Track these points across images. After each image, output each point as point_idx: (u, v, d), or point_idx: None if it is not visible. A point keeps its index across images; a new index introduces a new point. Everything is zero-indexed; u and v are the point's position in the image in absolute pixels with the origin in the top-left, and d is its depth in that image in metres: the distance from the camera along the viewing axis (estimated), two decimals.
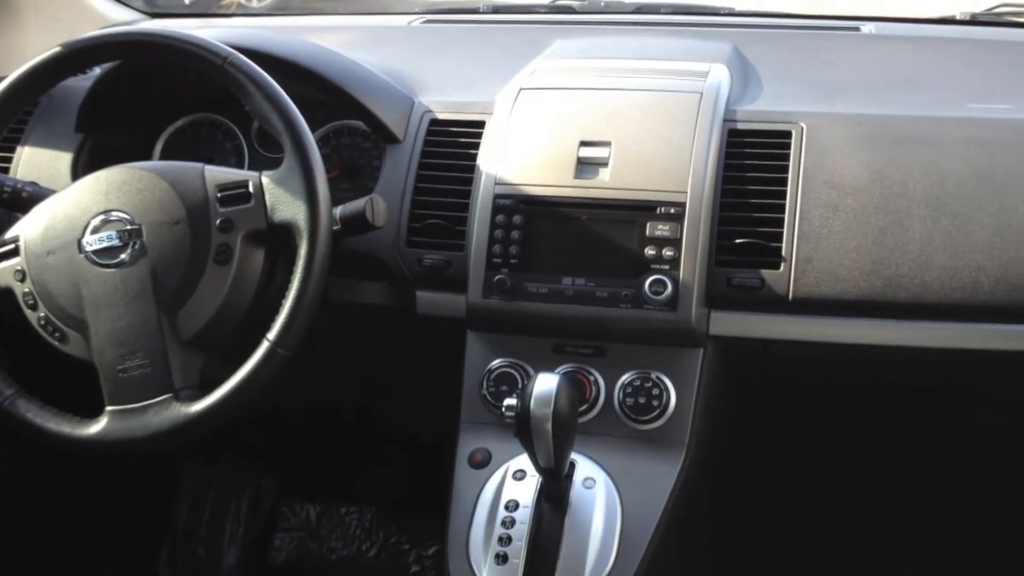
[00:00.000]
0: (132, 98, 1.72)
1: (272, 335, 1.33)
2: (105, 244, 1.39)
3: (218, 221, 1.38)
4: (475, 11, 2.21)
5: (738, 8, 2.11)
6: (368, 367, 1.85)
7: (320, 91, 1.62)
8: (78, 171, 1.67)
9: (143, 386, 1.35)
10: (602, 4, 2.19)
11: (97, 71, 1.69)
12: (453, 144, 1.62)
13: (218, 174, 1.42)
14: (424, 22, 2.11)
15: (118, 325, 1.37)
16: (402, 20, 2.14)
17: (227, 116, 1.78)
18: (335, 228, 1.39)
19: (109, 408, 1.37)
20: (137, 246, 1.38)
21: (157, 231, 1.39)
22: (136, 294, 1.37)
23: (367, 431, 2.21)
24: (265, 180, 1.40)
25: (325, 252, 1.35)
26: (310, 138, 1.39)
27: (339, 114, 1.71)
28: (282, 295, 1.34)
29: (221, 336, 1.40)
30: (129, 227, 1.39)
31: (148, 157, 1.78)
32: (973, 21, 2.00)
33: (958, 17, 2.02)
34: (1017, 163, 1.48)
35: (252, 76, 1.40)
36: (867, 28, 1.94)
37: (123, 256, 1.38)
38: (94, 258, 1.39)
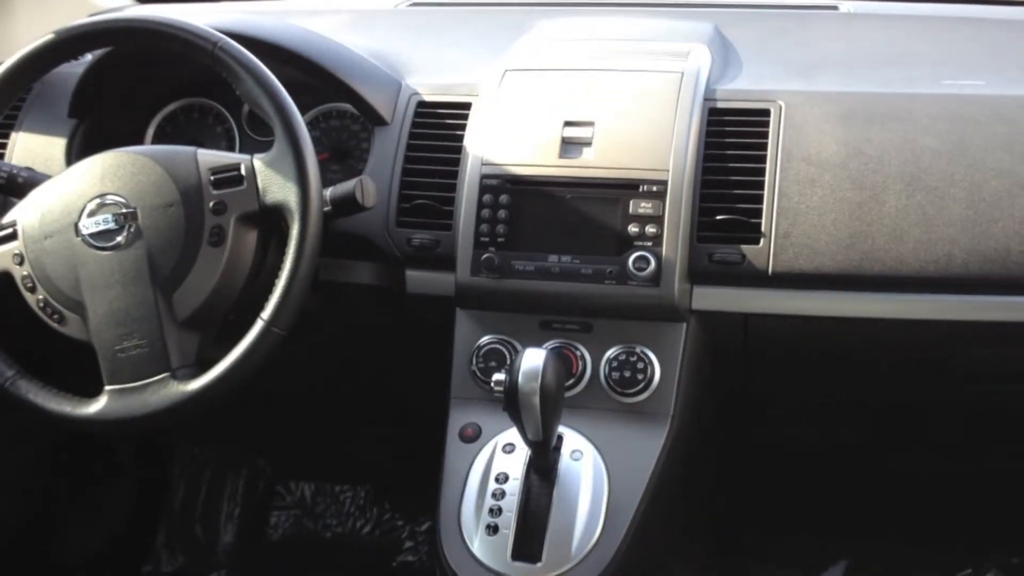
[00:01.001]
0: (124, 83, 1.74)
1: (266, 314, 1.36)
2: (101, 227, 1.41)
3: (211, 203, 1.41)
4: None
5: None
6: (359, 346, 1.87)
7: (309, 75, 1.64)
8: (72, 156, 1.69)
9: (141, 365, 1.38)
10: None
11: (89, 57, 1.70)
12: (440, 125, 1.64)
13: (211, 157, 1.45)
14: (410, 5, 2.12)
15: (115, 306, 1.39)
16: (388, 3, 2.15)
17: (218, 100, 1.79)
18: (326, 209, 1.42)
19: (108, 387, 1.39)
20: (133, 229, 1.41)
21: (152, 214, 1.41)
22: (132, 276, 1.39)
23: (359, 409, 2.24)
24: (257, 163, 1.42)
25: (316, 232, 1.38)
26: (300, 121, 1.41)
27: (328, 97, 1.73)
28: (275, 275, 1.37)
29: (216, 316, 1.42)
30: (124, 210, 1.42)
31: (140, 142, 1.80)
32: None
33: None
34: (990, 138, 1.51)
35: (242, 61, 1.42)
36: (845, 7, 1.95)
37: (119, 239, 1.41)
38: (91, 241, 1.42)
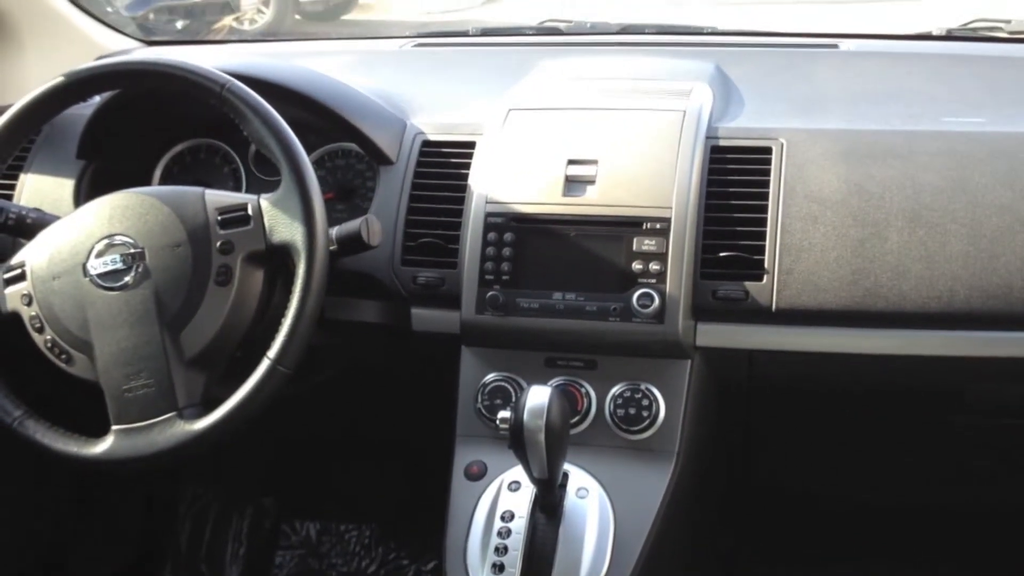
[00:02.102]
0: (132, 125, 1.75)
1: (272, 353, 1.36)
2: (109, 268, 1.42)
3: (219, 243, 1.41)
4: (464, 34, 2.24)
5: (720, 27, 2.15)
6: (365, 384, 1.88)
7: (315, 115, 1.65)
8: (80, 197, 1.70)
9: (148, 405, 1.38)
10: (588, 25, 2.22)
11: (97, 99, 1.72)
12: (445, 164, 1.65)
13: (218, 197, 1.46)
14: (415, 46, 2.15)
15: (123, 346, 1.40)
16: (393, 44, 2.18)
17: (225, 141, 1.81)
18: (331, 248, 1.43)
19: (115, 427, 1.40)
20: (140, 269, 1.42)
21: (160, 254, 1.42)
22: (140, 316, 1.40)
23: (365, 447, 2.23)
24: (263, 203, 1.43)
25: (322, 272, 1.39)
26: (306, 161, 1.42)
27: (333, 137, 1.74)
28: (281, 314, 1.38)
29: (223, 355, 1.42)
30: (132, 251, 1.43)
31: (148, 182, 1.81)
32: (949, 36, 2.03)
33: (935, 33, 2.05)
34: (990, 175, 1.52)
35: (249, 102, 1.44)
36: (845, 45, 1.97)
37: (127, 279, 1.42)
38: (99, 281, 1.43)
